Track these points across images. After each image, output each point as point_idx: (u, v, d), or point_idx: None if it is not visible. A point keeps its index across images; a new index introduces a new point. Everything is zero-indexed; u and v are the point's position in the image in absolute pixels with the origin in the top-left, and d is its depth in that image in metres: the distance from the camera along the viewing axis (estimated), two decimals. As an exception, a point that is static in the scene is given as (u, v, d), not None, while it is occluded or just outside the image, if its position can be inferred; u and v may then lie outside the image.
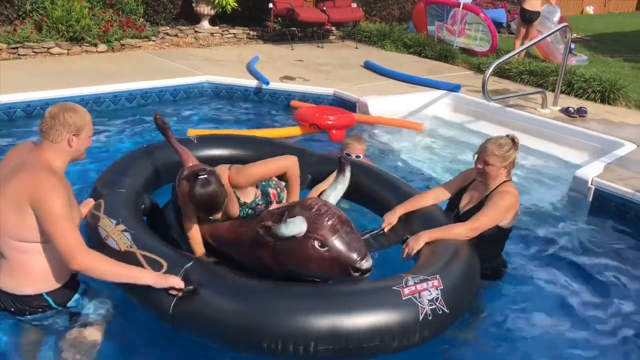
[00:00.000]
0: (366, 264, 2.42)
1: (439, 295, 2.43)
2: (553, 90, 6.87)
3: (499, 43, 9.43)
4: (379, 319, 2.29)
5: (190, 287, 2.38)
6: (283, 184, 3.15)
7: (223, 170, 2.82)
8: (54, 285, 2.48)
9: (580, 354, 2.93)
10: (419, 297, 2.38)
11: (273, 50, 9.12)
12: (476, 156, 3.07)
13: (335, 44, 10.34)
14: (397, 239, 3.10)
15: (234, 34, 9.79)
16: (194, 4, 9.46)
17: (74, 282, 2.59)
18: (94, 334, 2.51)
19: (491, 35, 9.31)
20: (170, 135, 3.29)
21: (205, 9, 9.42)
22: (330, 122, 5.44)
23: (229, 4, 9.27)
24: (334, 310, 2.29)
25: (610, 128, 6.04)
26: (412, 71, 7.91)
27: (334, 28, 10.80)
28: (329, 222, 2.43)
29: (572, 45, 9.64)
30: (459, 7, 9.54)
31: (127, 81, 6.40)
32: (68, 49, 7.69)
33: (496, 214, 2.95)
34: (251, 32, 9.98)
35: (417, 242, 2.88)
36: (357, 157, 3.97)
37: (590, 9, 18.53)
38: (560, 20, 9.17)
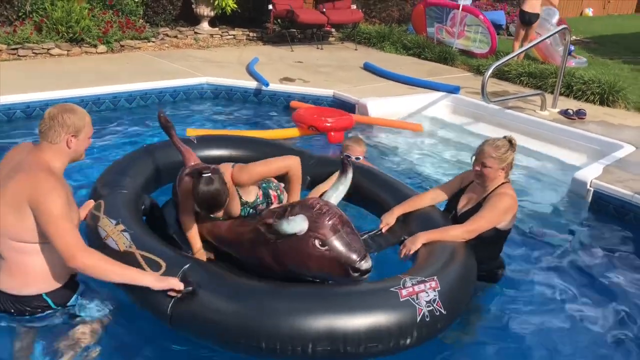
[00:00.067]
0: (365, 264, 2.43)
1: (437, 297, 2.44)
2: (552, 92, 6.88)
3: (499, 45, 9.45)
4: (377, 320, 2.30)
5: (189, 288, 2.39)
6: (282, 185, 3.16)
7: (226, 168, 2.84)
8: (53, 285, 2.49)
9: (579, 356, 2.93)
10: (417, 299, 2.39)
11: (272, 52, 9.13)
12: (474, 158, 3.08)
13: (335, 45, 10.36)
14: (394, 239, 3.11)
15: (234, 35, 9.81)
16: (193, 5, 9.47)
17: (73, 283, 2.60)
18: (93, 334, 2.52)
19: (490, 37, 9.32)
20: (173, 134, 3.32)
21: (204, 10, 9.43)
22: (328, 124, 5.43)
23: (229, 6, 9.29)
24: (332, 311, 2.30)
25: (609, 130, 6.05)
26: (412, 73, 7.92)
27: (333, 30, 10.81)
28: (330, 222, 2.44)
29: (572, 48, 9.66)
30: (458, 9, 9.56)
31: (126, 82, 6.41)
32: (68, 50, 7.70)
33: (494, 216, 2.96)
34: (251, 34, 9.99)
35: (414, 243, 2.89)
36: (357, 159, 3.98)
37: (589, 11, 18.55)
38: (559, 22, 9.18)
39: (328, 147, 5.28)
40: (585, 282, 3.58)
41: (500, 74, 8.03)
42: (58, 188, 2.32)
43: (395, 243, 3.09)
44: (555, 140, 5.92)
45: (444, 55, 9.16)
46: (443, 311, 2.42)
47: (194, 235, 2.90)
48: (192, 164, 3.14)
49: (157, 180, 3.60)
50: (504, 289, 3.30)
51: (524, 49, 7.67)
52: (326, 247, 2.41)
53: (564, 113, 6.50)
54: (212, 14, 9.52)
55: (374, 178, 3.66)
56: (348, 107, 6.34)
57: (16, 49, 7.29)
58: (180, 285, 2.39)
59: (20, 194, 2.29)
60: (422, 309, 2.37)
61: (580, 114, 6.42)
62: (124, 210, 2.89)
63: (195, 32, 9.46)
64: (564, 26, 7.13)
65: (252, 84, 6.90)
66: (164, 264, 2.50)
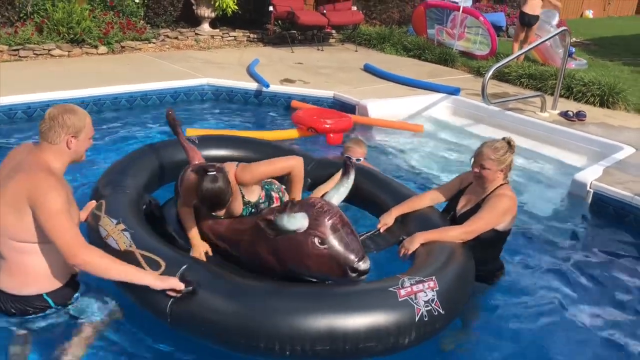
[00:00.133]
0: (364, 265, 2.44)
1: (435, 297, 2.45)
2: (552, 94, 6.88)
3: (499, 47, 9.46)
4: (376, 319, 2.31)
5: (189, 288, 2.40)
6: (284, 187, 3.18)
7: (230, 167, 2.86)
8: (53, 285, 2.50)
9: (578, 356, 2.94)
10: (415, 299, 2.40)
11: (273, 53, 9.15)
12: (473, 160, 3.09)
13: (335, 47, 10.37)
14: (393, 240, 3.12)
15: (234, 36, 9.82)
16: (194, 7, 9.48)
17: (74, 283, 2.61)
18: (93, 334, 2.53)
19: (491, 39, 9.33)
20: (179, 132, 3.35)
21: (205, 12, 9.45)
22: (327, 126, 5.44)
23: (230, 7, 9.30)
24: (331, 311, 2.31)
25: (609, 132, 6.05)
26: (412, 74, 7.93)
27: (334, 31, 10.82)
28: (330, 221, 2.45)
29: (572, 49, 9.67)
30: (458, 10, 9.57)
31: (127, 83, 6.42)
32: (69, 51, 7.71)
33: (492, 217, 2.97)
34: (251, 35, 10.00)
35: (412, 243, 2.90)
36: (358, 160, 3.98)
37: (589, 13, 18.56)
38: (560, 24, 9.19)
39: (327, 148, 5.29)
40: (585, 283, 3.58)
41: (500, 76, 8.04)
42: (58, 187, 2.32)
43: (394, 243, 3.09)
44: (555, 142, 5.92)
45: (444, 57, 9.17)
46: (441, 311, 2.43)
47: (192, 230, 2.91)
48: (196, 162, 3.17)
49: (158, 180, 3.61)
50: (503, 290, 3.31)
51: (524, 50, 7.69)
52: (325, 246, 2.42)
53: (564, 115, 6.50)
54: (213, 15, 9.54)
55: (374, 179, 3.67)
56: (348, 108, 6.35)
57: (17, 49, 7.30)
58: (180, 285, 2.40)
59: (20, 194, 2.30)
60: (420, 309, 2.38)
61: (580, 116, 6.43)
62: (125, 209, 2.91)
63: (196, 34, 9.47)
64: (564, 28, 7.14)
65: (252, 85, 6.91)
66: (163, 264, 2.51)
